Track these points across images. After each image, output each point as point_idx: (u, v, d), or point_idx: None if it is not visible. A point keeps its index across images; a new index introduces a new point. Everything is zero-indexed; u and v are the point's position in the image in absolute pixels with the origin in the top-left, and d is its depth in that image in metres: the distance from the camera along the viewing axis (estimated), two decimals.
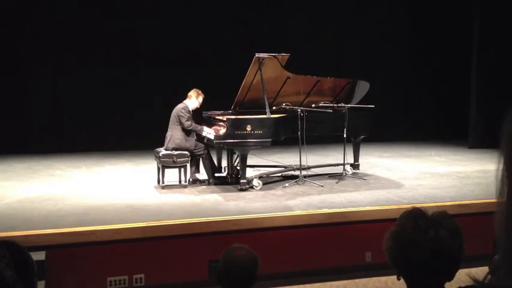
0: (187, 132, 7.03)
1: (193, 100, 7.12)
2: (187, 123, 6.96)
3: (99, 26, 9.86)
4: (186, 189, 6.86)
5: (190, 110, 7.06)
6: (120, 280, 4.98)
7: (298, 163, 7.16)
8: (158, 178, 7.05)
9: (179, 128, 6.98)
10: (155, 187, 7.00)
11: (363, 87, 7.75)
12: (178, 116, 6.96)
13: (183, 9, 10.24)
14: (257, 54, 6.87)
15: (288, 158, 8.49)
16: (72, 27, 9.75)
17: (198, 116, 7.38)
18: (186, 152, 6.95)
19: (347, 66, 10.23)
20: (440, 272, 1.57)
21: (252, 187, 6.78)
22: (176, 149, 6.93)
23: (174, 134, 6.98)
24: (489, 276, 1.19)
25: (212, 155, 7.41)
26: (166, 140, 7.03)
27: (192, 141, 7.06)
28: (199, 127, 7.10)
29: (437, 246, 1.54)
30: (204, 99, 7.18)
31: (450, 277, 1.59)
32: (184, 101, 7.10)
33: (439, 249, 1.54)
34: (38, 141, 9.54)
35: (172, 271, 5.13)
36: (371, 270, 5.10)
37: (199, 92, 7.17)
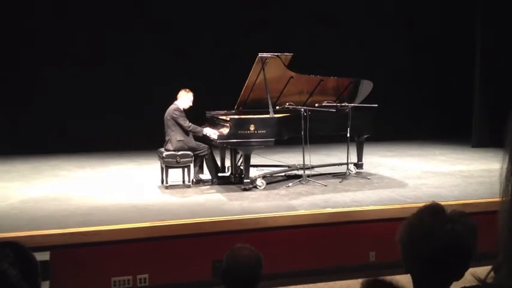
0: (186, 133, 7.01)
1: (184, 99, 7.08)
2: (186, 124, 6.95)
3: (105, 24, 9.86)
4: (189, 189, 6.87)
5: (182, 109, 7.05)
6: (124, 280, 4.98)
7: (302, 163, 7.16)
8: (162, 178, 7.06)
9: (177, 130, 6.96)
10: (159, 187, 7.01)
11: (366, 87, 7.75)
12: (173, 119, 6.95)
13: (186, 8, 10.25)
14: (260, 54, 6.87)
15: (291, 158, 8.48)
16: (76, 26, 9.76)
17: (200, 115, 7.37)
18: (190, 152, 6.95)
19: (350, 66, 10.21)
20: (450, 268, 1.56)
21: (255, 187, 6.78)
22: (179, 150, 6.93)
23: (173, 137, 6.96)
24: (491, 274, 1.19)
25: (215, 154, 7.41)
26: (165, 144, 7.04)
27: (192, 141, 7.05)
28: (198, 128, 7.08)
29: (453, 240, 1.53)
30: (194, 96, 7.12)
31: (459, 276, 1.59)
32: (175, 102, 7.08)
33: (454, 243, 1.53)
34: (42, 142, 9.56)
35: (176, 271, 5.14)
36: (375, 269, 5.10)
37: (187, 89, 7.12)
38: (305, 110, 6.99)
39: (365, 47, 11.08)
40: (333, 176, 7.58)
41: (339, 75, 7.81)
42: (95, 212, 5.69)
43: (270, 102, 6.89)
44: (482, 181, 7.14)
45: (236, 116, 7.06)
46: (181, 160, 6.89)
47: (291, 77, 7.27)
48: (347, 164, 7.51)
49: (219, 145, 7.05)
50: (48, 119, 9.67)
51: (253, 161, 7.15)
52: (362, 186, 6.97)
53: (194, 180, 7.15)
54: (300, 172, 7.31)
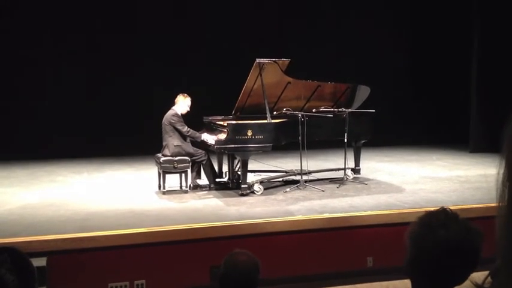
0: (184, 137, 7.02)
1: (181, 104, 7.08)
2: (185, 129, 6.95)
3: (102, 28, 9.88)
4: (187, 195, 6.86)
5: (180, 114, 7.05)
6: (121, 286, 4.97)
7: (299, 168, 7.16)
8: (159, 184, 7.05)
9: (175, 135, 6.95)
10: (156, 193, 7.00)
11: (363, 92, 7.76)
12: (170, 124, 6.95)
13: (184, 13, 10.27)
14: (257, 60, 6.88)
15: (288, 163, 8.48)
16: (73, 30, 9.78)
17: (196, 120, 7.37)
18: (187, 158, 6.95)
19: (347, 71, 10.23)
20: (454, 270, 1.56)
21: (253, 192, 6.78)
22: (176, 155, 6.93)
23: (170, 143, 6.95)
24: (489, 279, 1.19)
25: (213, 160, 7.41)
26: (163, 149, 7.03)
27: (190, 147, 7.06)
28: (197, 133, 7.08)
29: (463, 241, 1.55)
30: (192, 101, 7.12)
31: (461, 280, 1.58)
32: (173, 107, 7.08)
33: (462, 245, 1.55)
34: (40, 148, 9.53)
35: (174, 277, 5.12)
36: (372, 275, 5.09)
37: (185, 94, 7.13)
38: (302, 116, 7.00)
39: (362, 52, 11.08)
40: (330, 181, 7.58)
41: (337, 77, 7.82)
42: (92, 217, 5.68)
43: (267, 108, 6.90)
44: (479, 186, 7.14)
45: (233, 122, 7.07)
46: (179, 165, 6.88)
47: (289, 83, 7.29)
48: (344, 169, 7.52)
49: (217, 150, 7.05)
50: (46, 125, 9.65)
51: (251, 166, 7.15)
52: (359, 192, 6.97)
53: (191, 185, 7.14)
54: (298, 177, 7.30)
